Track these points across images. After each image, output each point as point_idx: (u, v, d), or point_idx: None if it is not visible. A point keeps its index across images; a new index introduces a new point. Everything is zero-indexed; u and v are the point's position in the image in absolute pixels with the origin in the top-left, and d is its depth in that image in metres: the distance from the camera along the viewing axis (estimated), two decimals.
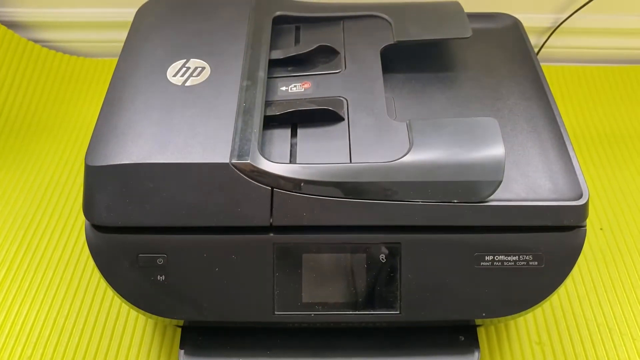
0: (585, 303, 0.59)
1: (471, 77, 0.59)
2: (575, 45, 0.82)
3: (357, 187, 0.45)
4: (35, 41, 0.81)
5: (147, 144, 0.46)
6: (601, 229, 0.66)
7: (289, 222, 0.46)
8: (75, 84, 0.80)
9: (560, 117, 0.55)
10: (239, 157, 0.44)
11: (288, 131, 0.51)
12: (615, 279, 0.61)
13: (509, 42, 0.64)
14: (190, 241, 0.47)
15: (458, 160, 0.45)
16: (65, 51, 0.82)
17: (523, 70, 0.61)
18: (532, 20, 0.80)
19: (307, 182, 0.44)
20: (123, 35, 0.78)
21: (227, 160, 0.44)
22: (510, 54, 0.62)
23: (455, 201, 0.45)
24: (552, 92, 0.80)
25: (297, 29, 0.62)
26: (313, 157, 0.48)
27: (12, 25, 0.79)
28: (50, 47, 0.82)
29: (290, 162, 0.47)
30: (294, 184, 0.45)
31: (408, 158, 0.45)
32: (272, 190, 0.45)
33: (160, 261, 0.47)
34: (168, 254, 0.47)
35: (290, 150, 0.49)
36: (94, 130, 0.49)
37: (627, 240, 0.65)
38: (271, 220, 0.45)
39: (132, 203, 0.45)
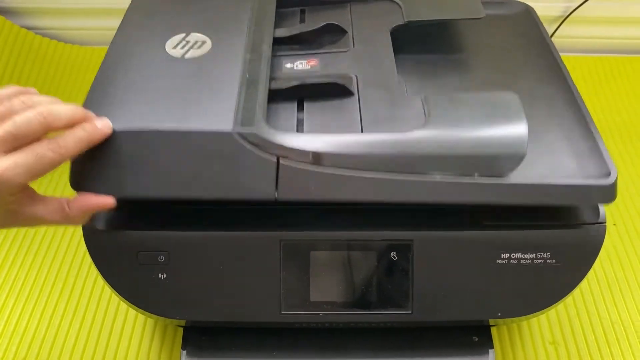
0: (600, 301, 0.57)
1: (485, 61, 0.57)
2: (586, 35, 0.80)
3: (369, 159, 0.41)
4: (29, 28, 0.78)
5: (143, 111, 0.42)
6: (614, 224, 0.64)
7: (294, 196, 0.41)
8: (70, 72, 0.77)
9: (582, 99, 0.52)
10: (243, 125, 0.41)
11: (294, 105, 0.47)
12: (629, 276, 0.59)
13: (523, 28, 0.61)
14: (193, 237, 0.45)
15: (479, 132, 0.42)
16: (59, 39, 0.80)
17: (540, 54, 0.58)
18: (542, 9, 0.77)
19: (315, 153, 0.41)
20: (118, 23, 0.76)
21: (230, 129, 0.40)
22: (526, 39, 0.60)
23: (476, 175, 0.42)
24: None
25: (302, 12, 0.59)
26: (322, 130, 0.45)
27: (4, 11, 0.77)
28: (44, 35, 0.79)
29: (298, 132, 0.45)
30: (302, 154, 0.41)
31: (425, 130, 0.42)
32: (277, 161, 0.41)
33: (161, 259, 0.45)
34: (170, 251, 0.45)
35: (297, 123, 0.46)
36: (86, 98, 0.45)
37: None
38: (276, 194, 0.41)
39: (128, 173, 0.41)
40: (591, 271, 0.59)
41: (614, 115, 0.76)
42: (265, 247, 0.45)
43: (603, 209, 0.47)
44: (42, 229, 0.61)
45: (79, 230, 0.58)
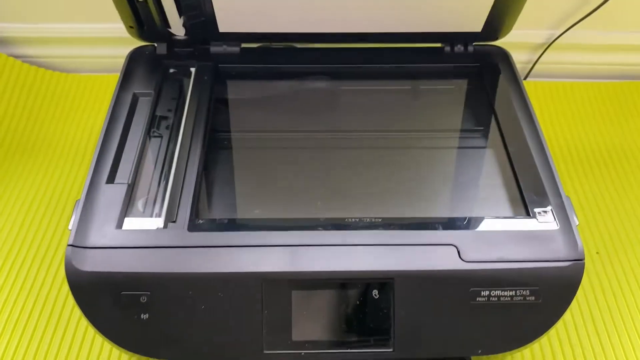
0: (582, 332, 0.57)
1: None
2: (570, 61, 0.81)
3: None
4: (15, 56, 0.78)
5: None
6: (597, 252, 0.65)
7: None
8: (58, 100, 0.77)
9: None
10: None
11: None
12: (612, 306, 0.60)
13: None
14: (174, 278, 0.45)
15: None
16: (44, 66, 0.80)
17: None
18: (527, 36, 0.79)
19: None
20: (103, 51, 0.76)
21: None
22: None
23: None
24: (546, 108, 0.79)
25: None
26: None
27: None
28: (30, 63, 0.79)
29: None
30: None
31: None
32: None
33: (143, 299, 0.45)
34: (152, 292, 0.45)
35: None
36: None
37: (624, 264, 0.64)
38: None
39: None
40: (574, 301, 0.60)
41: (598, 139, 0.77)
42: (247, 286, 0.45)
43: (581, 245, 0.48)
44: (27, 264, 0.61)
45: (62, 267, 0.59)
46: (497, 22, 0.64)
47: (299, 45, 0.66)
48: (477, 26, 0.64)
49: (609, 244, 0.65)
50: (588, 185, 0.71)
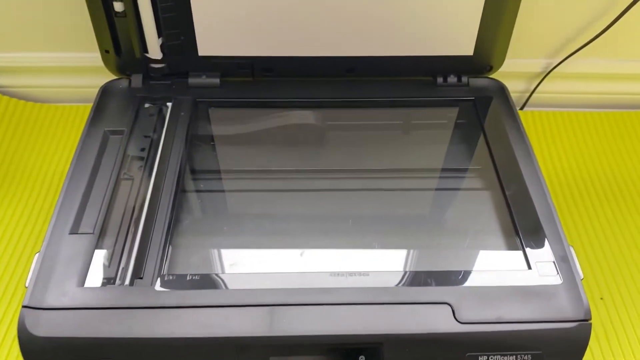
0: None
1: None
2: (568, 90, 0.78)
3: None
4: None
5: None
6: (602, 298, 0.61)
7: None
8: (31, 130, 0.74)
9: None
10: None
11: None
12: (617, 355, 0.56)
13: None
14: (139, 343, 0.41)
15: None
16: (16, 96, 0.76)
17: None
18: (524, 66, 0.76)
19: None
20: (78, 80, 0.73)
21: None
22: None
23: None
24: (544, 138, 0.76)
25: None
26: None
27: None
28: (1, 93, 0.75)
29: None
30: None
31: None
32: None
33: None
34: (113, 358, 0.41)
35: None
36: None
37: (630, 309, 0.60)
38: None
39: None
40: None
41: (598, 171, 0.73)
42: (220, 352, 0.41)
43: (587, 303, 0.44)
44: None
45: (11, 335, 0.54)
46: (487, 47, 0.61)
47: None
48: (468, 49, 0.61)
49: (613, 288, 0.62)
50: (590, 223, 0.67)
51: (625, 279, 0.62)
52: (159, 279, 0.44)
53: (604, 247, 0.65)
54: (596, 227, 0.67)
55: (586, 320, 0.43)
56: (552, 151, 0.75)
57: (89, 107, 0.61)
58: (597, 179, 0.72)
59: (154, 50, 0.59)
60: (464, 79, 0.63)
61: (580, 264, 0.60)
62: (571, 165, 0.74)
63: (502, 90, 0.63)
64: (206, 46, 0.59)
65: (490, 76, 0.65)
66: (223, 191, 0.55)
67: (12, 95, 0.76)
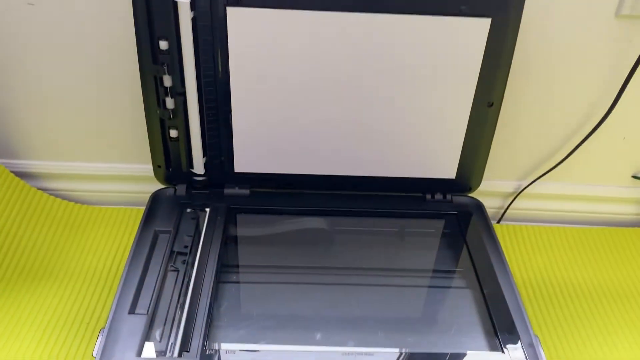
0: None
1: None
2: (537, 208, 0.91)
3: None
4: (43, 190, 0.87)
5: None
6: None
7: None
8: (78, 230, 0.84)
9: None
10: None
11: None
12: None
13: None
14: None
15: None
16: (71, 199, 0.88)
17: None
18: (499, 186, 0.89)
19: None
20: (126, 186, 0.85)
21: None
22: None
23: None
24: (517, 249, 0.88)
25: None
26: None
27: (22, 175, 0.86)
28: (57, 195, 0.87)
29: None
30: None
31: None
32: None
33: None
34: None
35: None
36: None
37: None
38: None
39: None
40: None
41: (565, 279, 0.84)
42: None
43: None
44: None
45: None
46: (467, 171, 0.75)
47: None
48: (451, 173, 0.75)
49: None
50: (558, 322, 0.77)
51: None
52: (202, 351, 0.54)
53: (570, 341, 0.75)
54: (563, 324, 0.77)
55: None
56: (525, 260, 0.87)
57: (135, 209, 0.73)
58: (563, 283, 0.83)
59: (199, 167, 0.73)
60: (448, 197, 0.77)
61: (548, 356, 0.70)
62: (541, 272, 0.85)
63: (479, 207, 0.77)
64: (241, 165, 0.73)
65: (470, 195, 0.79)
66: (252, 282, 0.67)
67: (69, 198, 0.87)
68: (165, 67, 0.64)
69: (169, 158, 0.73)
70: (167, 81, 0.66)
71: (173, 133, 0.70)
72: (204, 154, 0.72)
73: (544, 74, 0.77)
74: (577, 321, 0.78)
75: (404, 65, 0.65)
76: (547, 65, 0.76)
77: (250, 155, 0.72)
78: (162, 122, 0.69)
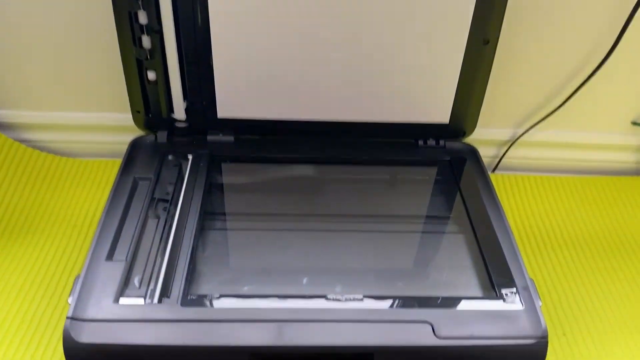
0: None
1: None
2: (532, 156, 0.89)
3: None
4: (20, 141, 0.83)
5: None
6: (564, 334, 0.68)
7: None
8: (58, 182, 0.81)
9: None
10: None
11: None
12: None
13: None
14: (166, 350, 0.48)
15: None
16: (47, 151, 0.84)
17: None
18: (494, 134, 0.86)
19: None
20: (105, 137, 0.82)
21: None
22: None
23: None
24: (512, 198, 0.86)
25: None
26: None
27: None
28: (34, 147, 0.84)
29: None
30: None
31: None
32: None
33: None
34: None
35: None
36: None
37: (590, 346, 0.67)
38: None
39: None
40: None
41: (560, 226, 0.82)
42: (236, 359, 0.48)
43: (545, 324, 0.52)
44: (21, 350, 0.62)
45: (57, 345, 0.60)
46: (461, 116, 0.72)
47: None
48: (444, 118, 0.72)
49: (574, 326, 0.69)
50: (554, 270, 0.76)
51: (585, 318, 0.70)
52: (183, 297, 0.52)
53: (566, 289, 0.73)
54: (559, 272, 0.76)
55: (543, 337, 0.51)
56: (521, 209, 0.85)
57: (116, 161, 0.70)
58: (560, 233, 0.81)
59: (179, 112, 0.70)
60: (441, 142, 0.74)
61: (544, 303, 0.68)
62: (537, 221, 0.83)
63: (474, 153, 0.74)
64: (224, 109, 0.69)
65: (464, 140, 0.76)
66: (235, 230, 0.64)
67: (47, 150, 0.84)
68: (139, 1, 0.60)
69: (148, 103, 0.69)
70: (142, 17, 0.62)
71: (151, 75, 0.66)
72: (185, 98, 0.69)
73: (541, 15, 0.73)
74: (572, 268, 0.76)
75: (395, 1, 0.62)
76: (544, 5, 0.72)
77: (234, 99, 0.68)
78: (139, 63, 0.66)
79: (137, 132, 0.74)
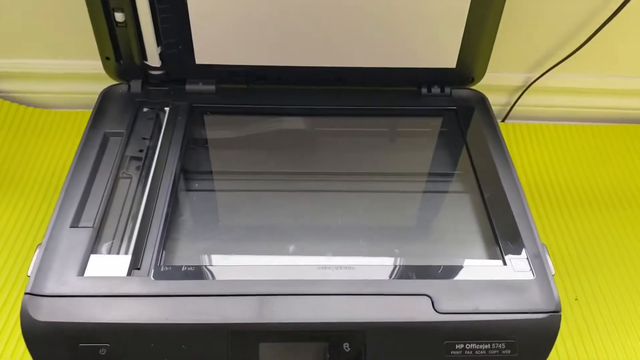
0: None
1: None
2: (547, 104, 0.82)
3: None
4: None
5: None
6: (576, 299, 0.64)
7: None
8: (30, 135, 0.76)
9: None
10: None
11: None
12: (591, 354, 0.58)
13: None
14: (135, 329, 0.43)
15: None
16: (17, 102, 0.78)
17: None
18: (505, 79, 0.79)
19: None
20: (77, 86, 0.76)
21: None
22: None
23: None
24: (524, 149, 0.79)
25: None
26: None
27: None
28: (4, 98, 0.78)
29: None
30: None
31: None
32: None
33: (102, 351, 0.43)
34: (111, 344, 0.43)
35: None
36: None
37: (603, 310, 0.62)
38: None
39: None
40: (553, 350, 0.59)
41: (575, 181, 0.76)
42: (213, 338, 0.44)
43: (558, 296, 0.47)
44: None
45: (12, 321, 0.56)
46: (469, 60, 0.64)
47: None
48: (451, 62, 0.64)
49: (587, 289, 0.64)
50: (566, 229, 0.71)
51: (599, 281, 0.65)
52: (155, 269, 0.47)
53: (579, 250, 0.68)
54: (572, 232, 0.70)
55: (556, 312, 0.46)
56: (532, 162, 0.79)
57: (88, 112, 0.64)
58: (575, 189, 0.76)
59: (153, 58, 0.62)
60: (447, 90, 0.67)
61: (555, 266, 0.63)
62: (550, 175, 0.77)
63: (482, 101, 0.67)
64: (203, 55, 0.62)
65: (472, 88, 0.69)
66: (217, 190, 0.58)
67: (13, 100, 0.78)
68: None
69: (118, 48, 0.62)
70: None
71: (119, 16, 0.59)
72: (158, 42, 0.62)
73: None
74: (586, 227, 0.71)
75: None
76: None
77: (214, 43, 0.61)
78: (104, 1, 0.58)
79: (111, 82, 0.67)
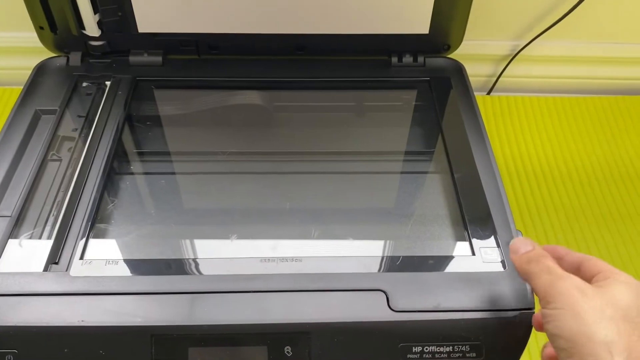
0: None
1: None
2: (535, 74, 0.75)
3: None
4: None
5: None
6: None
7: None
8: None
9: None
10: None
11: None
12: None
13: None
14: (47, 332, 0.38)
15: None
16: None
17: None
18: (490, 48, 0.73)
19: None
20: (14, 61, 0.69)
21: None
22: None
23: None
24: (510, 123, 0.73)
25: None
26: None
27: None
28: None
29: None
30: None
31: None
32: None
33: (9, 358, 0.38)
34: (19, 350, 0.38)
35: None
36: None
37: None
38: None
39: None
40: (526, 352, 0.53)
41: (567, 160, 0.70)
42: (135, 342, 0.38)
43: (531, 292, 0.41)
44: None
45: None
46: (444, 25, 0.58)
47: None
48: (423, 27, 0.58)
49: None
50: (544, 208, 0.64)
51: None
52: (74, 263, 0.41)
53: (558, 235, 0.62)
54: (551, 214, 0.64)
55: (529, 309, 0.40)
56: (519, 137, 0.73)
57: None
58: (565, 166, 0.69)
59: (91, 27, 0.56)
60: (420, 59, 0.60)
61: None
62: (538, 154, 0.71)
63: (460, 70, 0.60)
64: (146, 22, 0.56)
65: (450, 57, 0.63)
66: (156, 174, 0.52)
67: None
68: None
69: (52, 16, 0.56)
70: None
71: None
72: (95, 9, 0.55)
73: None
74: (576, 206, 0.65)
75: None
76: None
77: (158, 9, 0.55)
78: None
79: (50, 55, 0.61)
